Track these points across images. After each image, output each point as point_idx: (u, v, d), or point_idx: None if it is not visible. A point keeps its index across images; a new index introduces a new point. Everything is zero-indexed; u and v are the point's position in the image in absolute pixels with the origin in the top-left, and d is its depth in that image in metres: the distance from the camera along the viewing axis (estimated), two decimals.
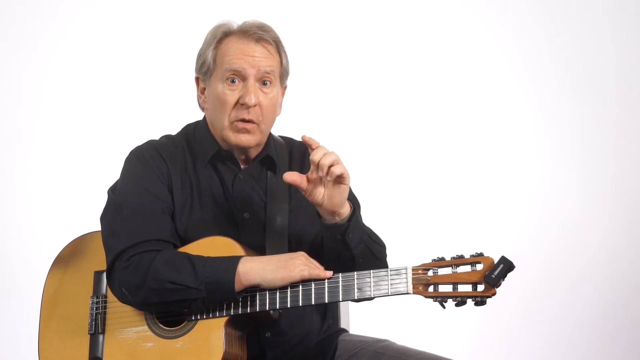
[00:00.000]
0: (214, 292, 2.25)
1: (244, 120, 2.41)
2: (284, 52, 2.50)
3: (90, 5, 4.22)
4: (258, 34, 2.43)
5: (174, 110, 3.63)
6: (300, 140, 2.61)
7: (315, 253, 2.37)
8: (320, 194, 2.28)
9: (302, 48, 4.17)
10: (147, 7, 4.27)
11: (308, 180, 2.28)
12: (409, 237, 4.14)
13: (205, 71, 2.48)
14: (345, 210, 2.31)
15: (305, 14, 4.38)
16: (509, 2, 4.54)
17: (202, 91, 2.53)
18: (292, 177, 2.29)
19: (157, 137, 2.58)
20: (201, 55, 2.49)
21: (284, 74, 2.50)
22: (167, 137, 2.57)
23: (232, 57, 2.42)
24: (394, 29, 4.47)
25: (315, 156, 2.25)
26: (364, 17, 4.46)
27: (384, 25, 4.46)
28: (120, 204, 2.41)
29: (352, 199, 2.42)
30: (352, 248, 2.33)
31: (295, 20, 4.26)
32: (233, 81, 2.42)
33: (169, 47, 4.19)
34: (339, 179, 2.25)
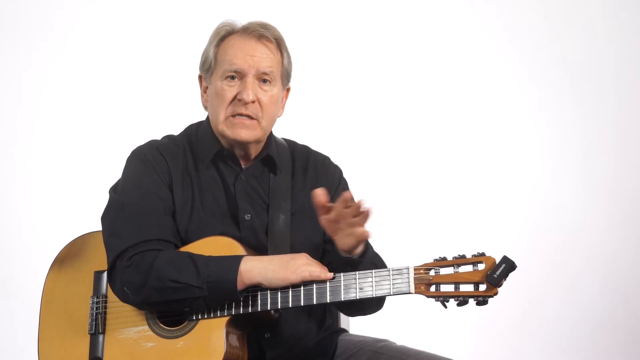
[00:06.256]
0: (216, 290, 2.25)
1: (240, 115, 2.41)
2: (286, 51, 2.50)
3: (93, 5, 4.22)
4: (259, 31, 2.44)
5: (177, 110, 3.63)
6: (304, 145, 2.62)
7: (317, 255, 2.37)
8: (342, 237, 2.26)
9: (304, 49, 4.19)
10: (149, 7, 4.26)
11: (332, 209, 2.22)
12: (410, 237, 4.15)
13: (207, 69, 2.49)
14: (360, 248, 2.31)
15: (307, 15, 4.38)
16: (509, 3, 4.54)
17: (204, 90, 2.53)
18: (319, 196, 2.22)
19: (159, 137, 2.58)
20: (204, 53, 2.51)
21: (284, 73, 2.50)
22: (168, 138, 2.57)
23: (232, 55, 2.43)
24: (395, 30, 4.47)
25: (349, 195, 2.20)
26: (364, 19, 4.46)
27: (385, 26, 4.46)
28: (122, 203, 2.41)
29: None
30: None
31: (297, 22, 4.27)
32: (232, 78, 2.43)
33: (172, 47, 4.19)
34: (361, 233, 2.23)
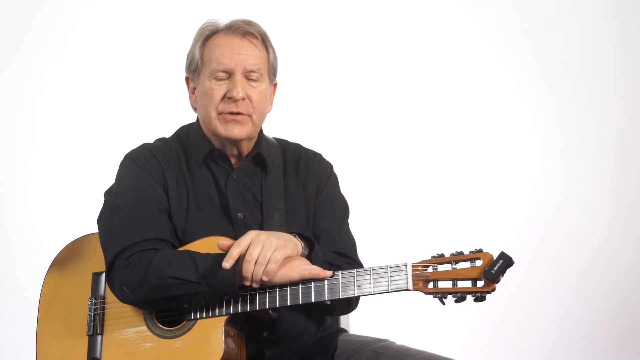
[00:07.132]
0: (214, 286, 2.24)
1: (232, 113, 2.42)
2: (271, 47, 2.50)
3: (87, 10, 4.24)
4: (244, 28, 2.44)
5: (169, 113, 3.63)
6: (296, 143, 2.62)
7: None
8: None
9: (300, 47, 4.20)
10: (141, 11, 4.27)
11: None
12: (408, 234, 4.14)
13: (193, 69, 2.49)
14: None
15: (301, 13, 4.38)
16: (509, 3, 4.54)
17: (192, 91, 2.53)
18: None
19: (151, 141, 2.58)
20: (189, 54, 2.51)
21: (271, 69, 2.50)
22: (161, 140, 2.57)
23: (219, 54, 2.43)
24: (394, 29, 4.47)
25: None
26: (362, 17, 4.46)
27: (384, 25, 4.47)
28: (117, 205, 2.41)
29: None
30: None
31: (290, 20, 4.28)
32: (220, 77, 2.43)
33: (164, 51, 4.19)
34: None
